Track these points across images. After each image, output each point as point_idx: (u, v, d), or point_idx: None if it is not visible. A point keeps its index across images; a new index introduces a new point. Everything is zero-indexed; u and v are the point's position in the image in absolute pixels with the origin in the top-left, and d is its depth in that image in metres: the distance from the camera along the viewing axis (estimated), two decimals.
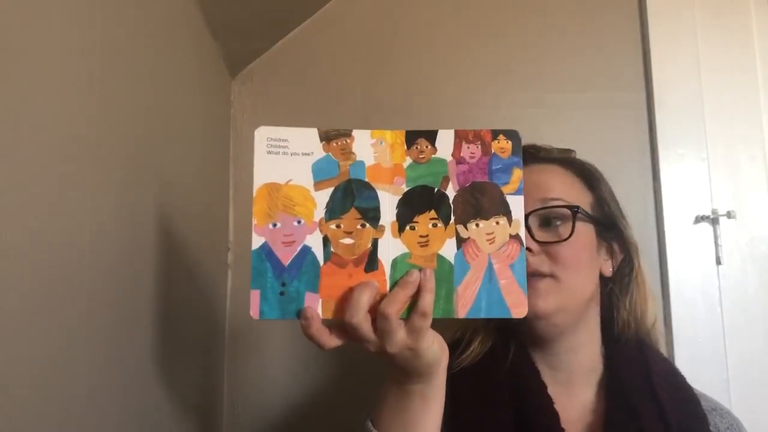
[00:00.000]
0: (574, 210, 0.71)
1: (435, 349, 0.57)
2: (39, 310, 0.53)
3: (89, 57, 0.62)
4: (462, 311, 0.57)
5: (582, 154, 1.14)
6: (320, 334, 0.55)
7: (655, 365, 0.73)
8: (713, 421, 0.72)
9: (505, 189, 0.60)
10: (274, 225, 0.56)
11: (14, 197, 0.49)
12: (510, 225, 0.59)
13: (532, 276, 0.69)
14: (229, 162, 1.19)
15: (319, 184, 0.58)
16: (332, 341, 0.55)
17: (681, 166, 1.16)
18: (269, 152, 0.57)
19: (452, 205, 0.59)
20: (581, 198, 0.75)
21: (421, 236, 0.58)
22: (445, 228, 0.59)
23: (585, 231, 0.73)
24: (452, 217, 0.59)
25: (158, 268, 0.80)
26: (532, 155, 0.77)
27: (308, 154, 0.58)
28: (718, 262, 1.13)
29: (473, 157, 0.60)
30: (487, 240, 0.59)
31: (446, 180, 0.60)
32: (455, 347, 0.75)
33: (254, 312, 0.55)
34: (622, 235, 0.77)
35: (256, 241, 0.56)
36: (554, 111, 1.19)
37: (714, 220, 1.13)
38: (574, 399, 0.74)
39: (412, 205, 0.59)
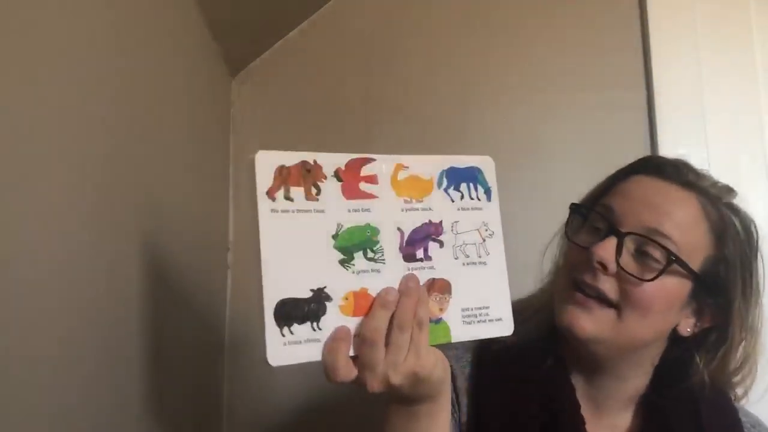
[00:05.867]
0: (672, 259, 0.63)
1: (438, 370, 0.54)
2: (36, 312, 0.53)
3: (89, 57, 0.62)
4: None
5: (582, 154, 1.14)
6: None
7: (706, 399, 0.68)
8: None
9: None
10: None
11: (13, 198, 0.49)
12: None
13: (595, 297, 0.65)
14: (229, 162, 1.18)
15: None
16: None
17: None
18: None
19: None
20: (698, 246, 0.66)
21: None
22: None
23: (675, 283, 0.65)
24: None
25: (157, 269, 0.80)
26: (677, 173, 0.68)
27: None
28: None
29: None
30: None
31: None
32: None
33: None
34: (728, 308, 0.67)
35: None
36: (554, 111, 1.18)
37: None
38: (604, 420, 0.71)
39: None
